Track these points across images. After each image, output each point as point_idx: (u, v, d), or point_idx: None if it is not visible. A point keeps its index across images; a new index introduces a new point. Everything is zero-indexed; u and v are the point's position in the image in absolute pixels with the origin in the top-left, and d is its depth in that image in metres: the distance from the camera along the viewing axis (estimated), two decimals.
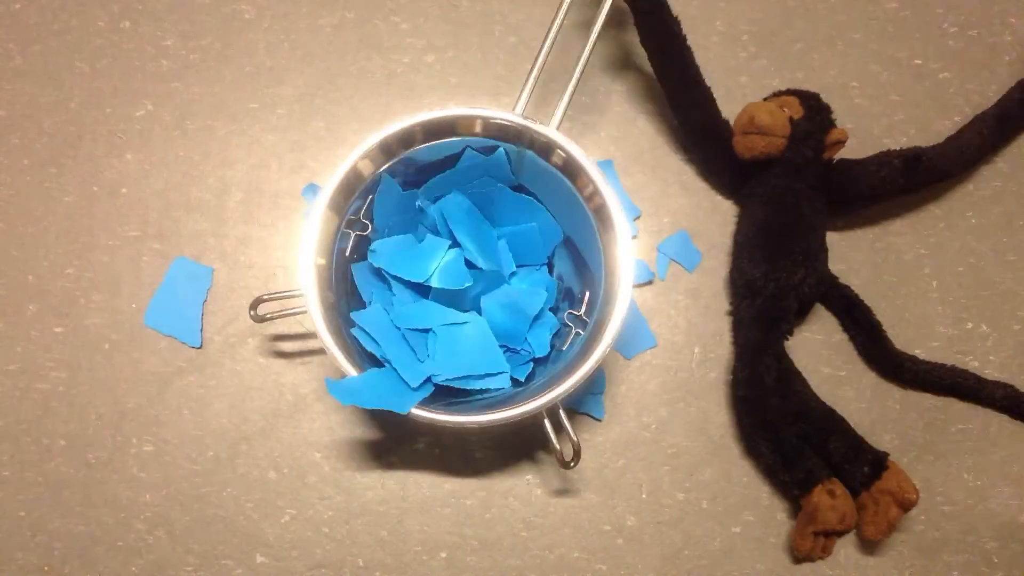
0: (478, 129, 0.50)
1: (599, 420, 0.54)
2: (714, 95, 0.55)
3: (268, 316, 0.51)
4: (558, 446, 0.47)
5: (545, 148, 0.49)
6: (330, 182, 0.48)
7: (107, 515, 0.53)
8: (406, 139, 0.49)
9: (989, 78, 0.60)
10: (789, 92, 0.56)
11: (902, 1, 0.61)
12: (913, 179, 0.54)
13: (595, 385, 0.55)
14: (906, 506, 0.51)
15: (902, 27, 0.61)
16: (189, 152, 0.58)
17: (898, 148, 0.57)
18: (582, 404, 0.55)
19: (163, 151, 0.58)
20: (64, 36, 0.60)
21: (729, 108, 0.55)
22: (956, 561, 0.53)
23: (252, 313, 0.50)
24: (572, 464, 0.48)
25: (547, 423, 0.47)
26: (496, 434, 0.54)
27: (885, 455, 0.52)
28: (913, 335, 0.56)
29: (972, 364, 0.56)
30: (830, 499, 0.51)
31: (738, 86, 0.59)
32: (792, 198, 0.54)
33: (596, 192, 0.48)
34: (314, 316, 0.47)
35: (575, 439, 0.47)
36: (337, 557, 0.53)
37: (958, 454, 0.55)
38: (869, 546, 0.53)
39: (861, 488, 0.52)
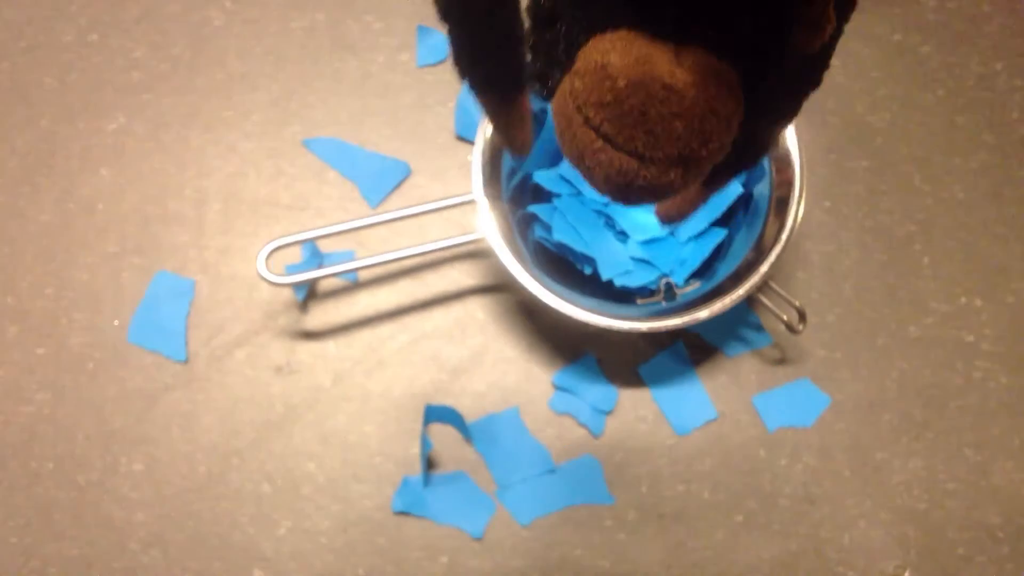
0: None
1: (597, 438, 0.54)
2: None
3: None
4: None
5: None
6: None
7: (100, 537, 0.52)
8: None
9: (970, 51, 0.59)
10: None
11: None
12: None
13: (602, 403, 0.54)
14: None
15: (880, 2, 0.60)
16: (164, 164, 0.57)
17: (882, 126, 0.57)
18: (580, 417, 0.54)
19: (138, 164, 0.57)
20: (31, 52, 0.59)
21: None
22: (961, 538, 0.53)
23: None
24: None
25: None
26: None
27: None
28: (907, 312, 0.56)
29: (968, 339, 0.55)
30: None
31: None
32: None
33: None
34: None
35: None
36: (336, 567, 0.52)
37: (958, 430, 0.54)
38: (874, 526, 0.53)
39: None
